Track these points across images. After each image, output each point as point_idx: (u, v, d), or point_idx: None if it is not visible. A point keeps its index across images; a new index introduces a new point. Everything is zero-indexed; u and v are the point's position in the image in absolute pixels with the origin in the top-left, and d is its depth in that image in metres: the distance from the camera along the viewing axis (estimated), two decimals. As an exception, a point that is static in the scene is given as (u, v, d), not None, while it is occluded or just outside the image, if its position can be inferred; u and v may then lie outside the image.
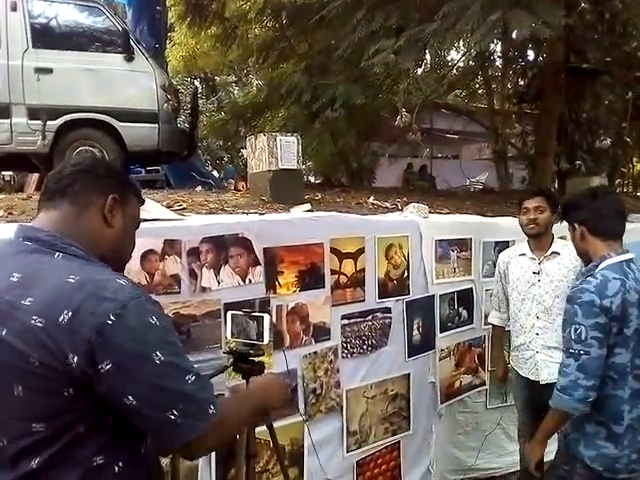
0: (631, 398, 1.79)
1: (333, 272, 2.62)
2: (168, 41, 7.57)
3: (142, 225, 2.06)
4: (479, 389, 3.39)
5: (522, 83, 7.10)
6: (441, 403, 3.16)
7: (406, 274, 2.94)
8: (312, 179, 8.90)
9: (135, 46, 4.93)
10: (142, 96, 4.89)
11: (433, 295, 3.08)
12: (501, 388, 3.40)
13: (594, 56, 5.67)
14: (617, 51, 5.67)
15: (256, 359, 1.65)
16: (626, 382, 1.79)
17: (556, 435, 2.04)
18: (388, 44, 4.19)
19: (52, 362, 0.99)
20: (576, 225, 1.95)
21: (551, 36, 3.97)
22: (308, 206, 3.04)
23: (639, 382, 1.80)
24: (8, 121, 4.54)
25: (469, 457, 3.37)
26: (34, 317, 1.00)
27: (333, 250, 2.62)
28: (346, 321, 2.68)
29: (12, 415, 1.04)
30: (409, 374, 2.97)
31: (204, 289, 2.19)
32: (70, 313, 0.99)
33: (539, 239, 2.74)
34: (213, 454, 2.14)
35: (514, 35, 4.79)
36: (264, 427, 1.77)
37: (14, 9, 4.57)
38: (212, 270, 2.21)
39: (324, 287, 2.58)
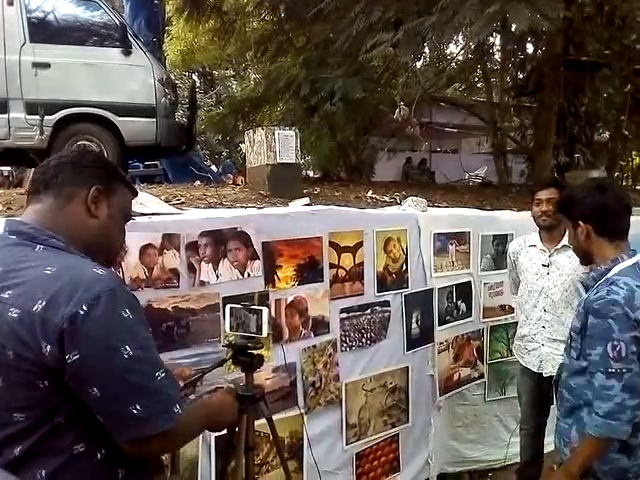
0: None
1: (332, 266, 2.63)
2: (166, 35, 7.52)
3: (141, 219, 2.09)
4: (478, 382, 3.41)
5: (521, 76, 7.07)
6: (440, 396, 3.18)
7: (405, 268, 2.95)
8: (311, 173, 8.86)
9: (133, 40, 4.92)
10: (140, 90, 4.88)
11: (432, 288, 3.09)
12: (500, 380, 3.42)
13: (593, 49, 5.65)
14: (616, 44, 5.64)
15: (255, 352, 1.66)
16: None
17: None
18: (386, 37, 4.17)
19: (26, 353, 1.00)
20: (580, 223, 1.76)
21: (550, 29, 3.95)
22: (307, 200, 3.04)
23: None
24: (6, 116, 4.53)
25: (468, 449, 3.40)
26: (11, 309, 1.02)
27: (332, 244, 2.62)
28: (345, 315, 2.69)
29: None
30: (408, 367, 2.99)
31: (203, 283, 2.20)
32: (44, 302, 1.01)
33: (551, 231, 2.72)
34: (213, 447, 2.16)
35: (513, 28, 4.78)
36: (263, 420, 1.79)
37: (11, 3, 4.56)
38: (211, 264, 2.22)
39: (323, 281, 2.59)
